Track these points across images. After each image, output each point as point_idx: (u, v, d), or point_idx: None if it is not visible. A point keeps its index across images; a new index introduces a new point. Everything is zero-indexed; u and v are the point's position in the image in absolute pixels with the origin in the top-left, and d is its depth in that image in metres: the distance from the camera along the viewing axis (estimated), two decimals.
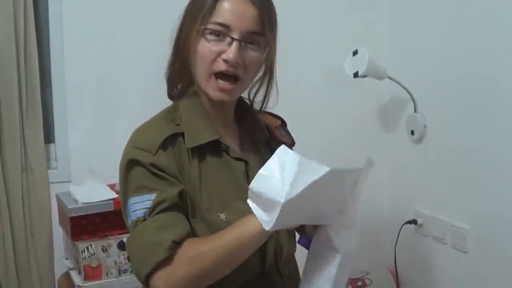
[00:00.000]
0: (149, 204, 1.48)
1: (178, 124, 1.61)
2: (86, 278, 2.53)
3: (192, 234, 1.52)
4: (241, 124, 1.78)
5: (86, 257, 2.51)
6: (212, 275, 1.45)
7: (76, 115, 2.91)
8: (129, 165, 1.54)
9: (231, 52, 1.55)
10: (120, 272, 2.57)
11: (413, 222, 3.16)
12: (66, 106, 2.90)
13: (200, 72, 1.60)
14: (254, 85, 1.73)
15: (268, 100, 1.75)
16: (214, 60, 1.57)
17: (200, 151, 1.60)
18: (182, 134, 1.59)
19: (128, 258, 2.56)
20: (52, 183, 2.85)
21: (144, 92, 2.89)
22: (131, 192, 1.52)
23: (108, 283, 2.55)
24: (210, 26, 1.56)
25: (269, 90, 1.72)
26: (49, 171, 2.86)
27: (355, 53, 2.99)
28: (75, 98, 2.90)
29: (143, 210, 1.48)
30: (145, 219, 1.47)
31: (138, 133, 1.61)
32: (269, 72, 1.70)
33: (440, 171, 2.99)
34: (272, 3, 1.65)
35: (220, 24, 1.55)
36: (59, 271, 2.83)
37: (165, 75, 1.71)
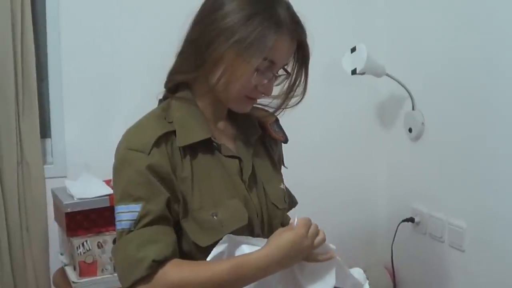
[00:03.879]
0: (134, 216, 1.48)
1: (171, 122, 1.60)
2: (81, 274, 2.51)
3: (183, 234, 1.54)
4: (234, 121, 1.77)
5: (82, 253, 2.50)
6: None
7: (73, 110, 2.90)
8: (121, 167, 1.54)
9: (270, 88, 1.63)
10: (115, 268, 2.55)
11: (410, 220, 3.15)
12: (63, 100, 2.88)
13: (233, 92, 1.59)
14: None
15: (284, 109, 1.77)
16: (252, 89, 1.60)
17: (193, 150, 1.59)
18: (175, 132, 1.58)
19: None
20: (48, 178, 2.83)
21: (141, 87, 2.87)
22: (118, 199, 1.53)
23: (103, 280, 2.53)
24: (264, 63, 1.56)
25: (285, 103, 1.74)
26: (45, 166, 2.85)
27: (353, 50, 2.99)
28: (72, 92, 2.88)
29: (129, 222, 1.48)
30: (130, 231, 1.48)
31: (131, 134, 1.59)
32: (290, 91, 1.72)
33: (437, 169, 2.99)
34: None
35: (271, 62, 1.57)
36: (54, 267, 2.82)
37: (172, 69, 1.69)
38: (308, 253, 1.53)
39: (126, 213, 1.49)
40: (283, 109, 1.75)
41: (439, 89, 2.93)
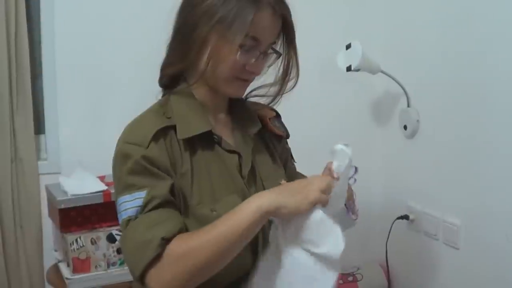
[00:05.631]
0: (139, 202, 1.46)
1: (170, 117, 1.59)
2: (75, 270, 2.51)
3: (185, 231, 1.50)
4: (233, 115, 1.76)
5: (75, 249, 2.49)
6: (206, 271, 1.42)
7: (67, 106, 2.89)
8: (120, 161, 1.52)
9: (258, 67, 1.62)
10: (109, 265, 2.55)
11: (405, 217, 3.15)
12: (57, 97, 2.88)
13: (221, 75, 1.59)
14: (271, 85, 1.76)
15: (279, 99, 1.77)
16: (240, 69, 1.59)
17: (192, 144, 1.58)
18: (174, 127, 1.57)
19: (117, 251, 2.54)
20: (41, 174, 2.83)
21: (136, 84, 2.87)
22: (121, 191, 1.51)
23: (96, 276, 2.52)
24: (246, 40, 1.54)
25: (283, 88, 1.73)
26: (39, 162, 2.85)
27: (348, 46, 2.98)
28: (66, 89, 2.88)
29: (135, 209, 1.46)
30: (136, 218, 1.45)
31: (130, 129, 1.58)
32: (286, 75, 1.71)
33: (432, 167, 2.98)
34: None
35: (254, 38, 1.56)
36: (48, 263, 2.82)
37: (163, 64, 1.69)
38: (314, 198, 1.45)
39: (131, 201, 1.47)
40: (281, 95, 1.75)
41: (434, 86, 2.93)
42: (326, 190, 1.47)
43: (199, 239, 1.40)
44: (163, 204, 1.47)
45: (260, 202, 1.42)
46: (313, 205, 1.44)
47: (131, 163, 1.49)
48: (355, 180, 1.57)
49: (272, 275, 1.50)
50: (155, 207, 1.45)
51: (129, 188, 1.49)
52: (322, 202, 1.46)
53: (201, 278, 1.43)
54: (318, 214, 1.46)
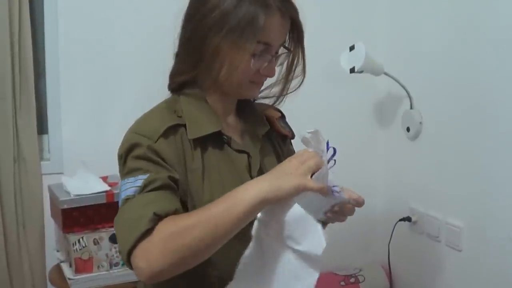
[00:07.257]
0: (140, 183, 1.44)
1: (180, 116, 1.59)
2: (77, 270, 2.51)
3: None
4: (241, 116, 1.77)
5: (78, 249, 2.50)
6: (194, 253, 1.37)
7: (70, 106, 2.89)
8: (128, 148, 1.52)
9: (272, 70, 1.63)
10: (112, 265, 2.55)
11: (407, 219, 3.15)
12: (60, 97, 2.88)
13: (236, 81, 1.59)
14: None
15: (284, 98, 1.77)
16: (254, 73, 1.60)
17: (202, 143, 1.59)
18: (184, 126, 1.58)
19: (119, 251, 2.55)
20: (44, 174, 2.83)
21: (139, 84, 2.88)
22: (125, 175, 1.50)
23: (99, 276, 2.53)
24: (258, 47, 1.56)
25: (286, 87, 1.73)
26: (41, 163, 2.84)
27: (351, 48, 2.98)
28: (69, 89, 2.88)
29: (134, 189, 1.44)
30: (134, 197, 1.43)
31: (140, 121, 1.59)
32: (289, 73, 1.71)
33: (435, 168, 2.98)
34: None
35: (265, 43, 1.57)
36: (50, 263, 2.82)
37: (172, 72, 1.69)
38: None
39: (133, 182, 1.46)
40: (285, 95, 1.74)
41: (437, 88, 2.93)
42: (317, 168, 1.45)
43: (192, 219, 1.37)
44: (163, 187, 1.45)
45: (258, 188, 1.37)
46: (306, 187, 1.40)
47: (138, 151, 1.49)
48: (335, 161, 1.56)
49: (254, 272, 1.47)
50: (155, 189, 1.44)
51: (134, 171, 1.48)
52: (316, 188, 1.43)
53: (189, 260, 1.38)
54: (297, 210, 1.42)
